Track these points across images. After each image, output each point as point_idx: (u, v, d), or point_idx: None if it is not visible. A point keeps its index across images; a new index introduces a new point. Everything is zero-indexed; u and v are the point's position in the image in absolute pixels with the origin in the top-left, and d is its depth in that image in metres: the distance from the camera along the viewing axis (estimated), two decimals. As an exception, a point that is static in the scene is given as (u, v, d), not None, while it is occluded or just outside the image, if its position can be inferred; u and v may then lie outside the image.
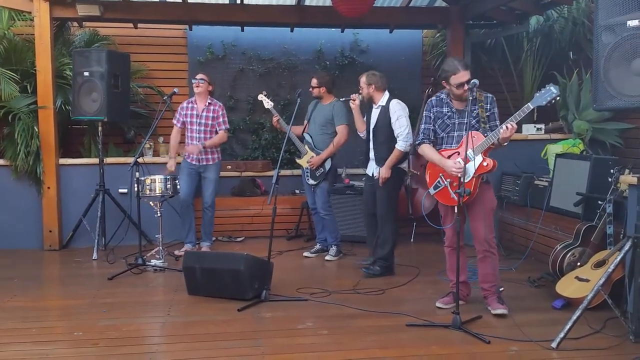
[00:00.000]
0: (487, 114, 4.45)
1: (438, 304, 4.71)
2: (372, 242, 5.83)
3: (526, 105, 4.20)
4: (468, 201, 4.38)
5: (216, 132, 6.51)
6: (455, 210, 4.23)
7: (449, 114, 4.54)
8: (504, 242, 6.64)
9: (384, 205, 5.61)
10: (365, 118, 5.84)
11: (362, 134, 5.88)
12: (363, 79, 5.66)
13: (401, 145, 5.44)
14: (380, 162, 5.57)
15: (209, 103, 6.49)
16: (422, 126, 4.68)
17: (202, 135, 6.45)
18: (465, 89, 4.36)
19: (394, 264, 5.77)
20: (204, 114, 6.46)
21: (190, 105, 6.53)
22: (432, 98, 4.70)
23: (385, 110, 5.55)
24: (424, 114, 4.70)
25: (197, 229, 6.77)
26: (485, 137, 4.32)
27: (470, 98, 4.30)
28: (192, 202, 6.58)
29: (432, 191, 4.62)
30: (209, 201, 6.52)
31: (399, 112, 5.48)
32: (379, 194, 5.62)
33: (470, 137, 4.30)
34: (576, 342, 3.88)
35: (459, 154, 4.37)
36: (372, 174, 5.71)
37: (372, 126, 5.66)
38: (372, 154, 5.70)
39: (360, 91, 5.70)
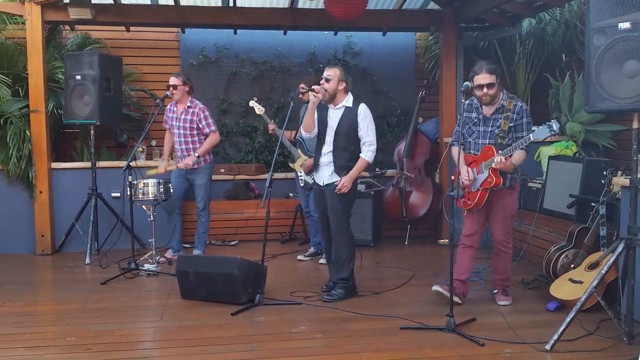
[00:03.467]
0: (512, 124, 4.52)
1: (435, 287, 4.74)
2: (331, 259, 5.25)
3: (527, 137, 4.37)
4: (476, 207, 4.62)
5: (199, 135, 6.35)
6: (464, 214, 4.36)
7: (476, 120, 4.67)
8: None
9: (339, 221, 5.00)
10: (316, 118, 5.12)
11: (309, 135, 5.16)
12: (336, 72, 4.96)
13: (369, 155, 4.95)
14: (339, 170, 4.97)
15: (188, 106, 6.31)
16: (456, 128, 4.81)
17: (182, 139, 6.33)
18: (484, 92, 4.48)
19: (355, 283, 5.18)
20: (182, 116, 6.31)
21: (172, 108, 6.45)
22: (466, 102, 4.71)
23: (351, 112, 4.95)
24: (458, 117, 4.75)
25: (188, 233, 6.73)
26: (497, 153, 4.47)
27: (463, 100, 4.38)
28: (178, 206, 6.50)
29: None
30: (200, 206, 6.44)
31: (369, 119, 4.98)
32: (334, 208, 4.99)
33: (485, 151, 4.56)
34: (570, 344, 3.90)
35: (477, 162, 4.59)
36: (323, 183, 5.09)
37: (332, 130, 5.01)
38: (325, 160, 5.05)
39: (323, 84, 4.94)
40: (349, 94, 5.07)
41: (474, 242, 4.78)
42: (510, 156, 4.44)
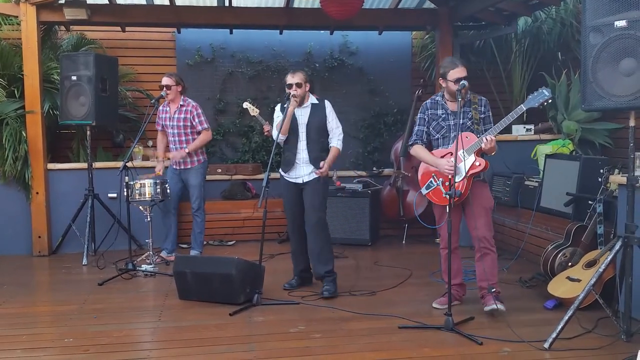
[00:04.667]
0: (482, 116, 4.52)
1: (434, 305, 4.74)
2: (300, 257, 5.42)
3: (519, 107, 4.33)
4: (460, 201, 4.45)
5: (192, 134, 6.36)
6: (447, 211, 4.25)
7: (444, 115, 4.58)
8: (495, 242, 6.64)
9: (319, 214, 5.19)
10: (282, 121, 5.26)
11: (283, 138, 5.24)
12: (301, 76, 5.18)
13: (339, 143, 5.27)
14: (315, 162, 5.18)
15: (181, 105, 6.34)
16: (416, 128, 4.73)
17: (177, 138, 6.35)
18: (464, 87, 4.40)
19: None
20: (176, 115, 6.33)
21: (165, 108, 6.45)
22: (427, 101, 4.73)
23: (319, 108, 5.26)
24: (418, 116, 4.73)
25: (184, 233, 6.73)
26: (478, 138, 4.39)
27: (460, 99, 4.38)
28: (175, 207, 6.50)
29: (424, 191, 4.64)
30: (194, 206, 6.44)
31: (333, 112, 5.32)
32: (313, 202, 5.17)
33: (463, 137, 4.37)
34: (568, 342, 3.90)
35: (451, 154, 4.40)
36: (303, 180, 5.21)
37: (303, 126, 5.21)
38: (301, 157, 5.21)
39: (294, 90, 5.12)
40: (310, 93, 5.38)
41: (456, 241, 4.64)
42: (487, 141, 4.32)
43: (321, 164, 5.15)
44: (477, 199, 4.51)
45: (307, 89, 5.26)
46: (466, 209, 4.57)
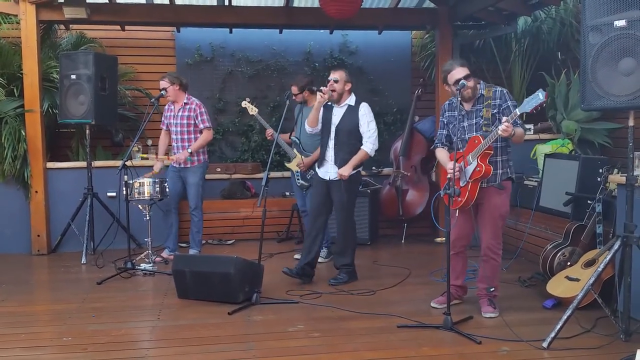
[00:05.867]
0: (495, 111, 4.37)
1: (433, 304, 4.74)
2: (309, 252, 5.47)
3: (514, 112, 4.17)
4: (466, 205, 4.38)
5: (195, 133, 6.38)
6: (455, 212, 4.26)
7: (459, 117, 4.53)
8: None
9: (346, 211, 5.43)
10: (321, 116, 5.48)
11: (312, 130, 5.50)
12: (342, 74, 5.34)
13: (369, 147, 5.32)
14: (341, 163, 5.33)
15: (185, 103, 6.36)
16: (438, 131, 4.76)
17: (179, 137, 6.37)
18: (463, 87, 4.36)
19: (355, 268, 5.60)
20: (180, 113, 6.35)
21: (170, 107, 6.49)
22: (445, 102, 4.72)
23: (353, 110, 5.36)
24: (440, 120, 4.72)
25: (183, 232, 6.74)
26: (483, 141, 4.29)
27: (459, 99, 4.35)
28: (175, 206, 6.50)
29: (442, 193, 4.63)
30: (192, 205, 6.43)
31: (370, 116, 5.37)
32: (341, 199, 5.37)
33: (471, 141, 4.37)
34: (567, 342, 3.89)
35: (464, 157, 4.41)
36: (329, 178, 5.42)
37: (334, 126, 5.40)
38: (329, 155, 5.43)
39: (332, 85, 5.29)
40: (352, 94, 5.45)
41: (463, 246, 4.64)
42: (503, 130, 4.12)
43: (339, 171, 5.27)
44: (487, 207, 4.46)
45: (347, 88, 5.36)
46: (478, 214, 4.53)
